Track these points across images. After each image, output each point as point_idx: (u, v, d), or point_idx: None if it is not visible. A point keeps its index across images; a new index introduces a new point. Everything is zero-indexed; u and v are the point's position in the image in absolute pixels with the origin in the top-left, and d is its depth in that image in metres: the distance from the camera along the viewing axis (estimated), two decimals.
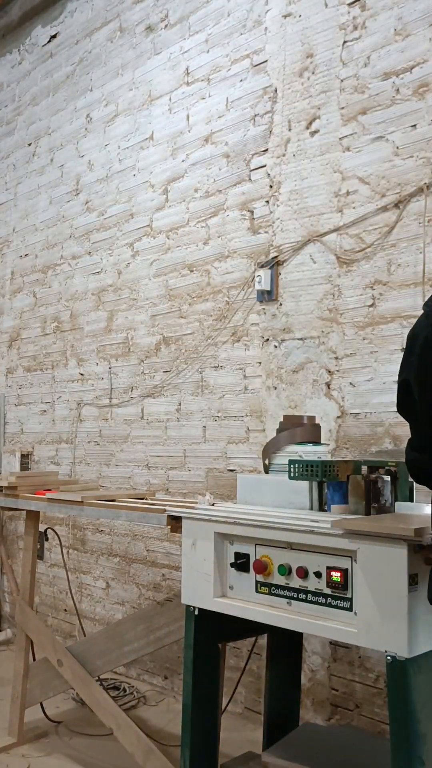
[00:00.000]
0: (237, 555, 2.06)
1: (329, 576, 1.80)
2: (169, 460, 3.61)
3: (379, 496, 1.99)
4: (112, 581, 3.91)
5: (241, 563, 2.04)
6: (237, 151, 3.35)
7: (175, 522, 2.25)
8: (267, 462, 2.41)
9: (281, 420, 2.52)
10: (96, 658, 2.69)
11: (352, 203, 2.86)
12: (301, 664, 2.65)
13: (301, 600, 1.89)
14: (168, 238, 3.68)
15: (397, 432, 2.61)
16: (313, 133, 3.01)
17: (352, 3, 2.88)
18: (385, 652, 1.65)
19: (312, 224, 2.99)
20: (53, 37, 4.57)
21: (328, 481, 2.08)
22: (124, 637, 2.61)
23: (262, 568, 1.97)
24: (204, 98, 3.52)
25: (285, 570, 1.92)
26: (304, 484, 2.12)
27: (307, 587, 1.88)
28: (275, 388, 3.09)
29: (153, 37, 3.83)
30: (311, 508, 2.12)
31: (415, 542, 1.64)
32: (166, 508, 2.31)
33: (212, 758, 2.19)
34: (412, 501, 2.03)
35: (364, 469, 2.09)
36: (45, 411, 4.48)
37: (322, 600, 1.83)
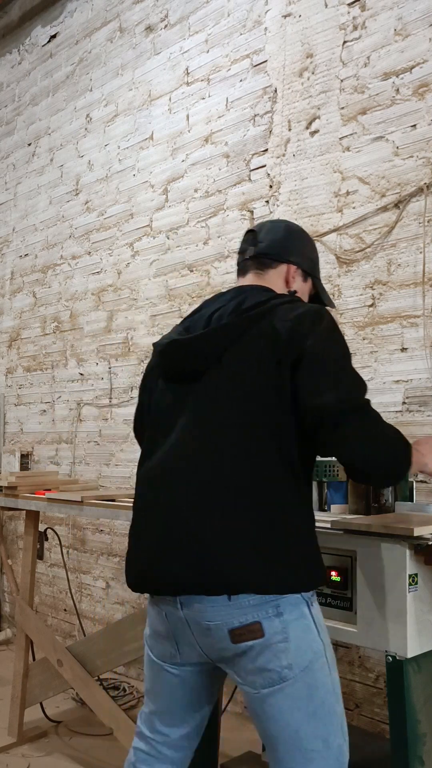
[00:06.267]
0: None
1: (329, 576, 1.80)
2: None
3: (379, 496, 1.99)
4: (112, 581, 3.91)
5: None
6: (237, 151, 3.35)
7: None
8: None
9: None
10: (96, 658, 2.69)
11: (352, 203, 2.86)
12: None
13: None
14: (168, 238, 3.69)
15: None
16: (313, 133, 3.01)
17: (352, 3, 2.88)
18: (385, 652, 1.65)
19: (312, 224, 2.99)
20: (53, 37, 4.58)
21: (329, 481, 2.09)
22: (124, 637, 2.61)
23: None
24: (204, 98, 3.52)
25: None
26: None
27: None
28: None
29: (153, 37, 3.83)
30: None
31: (415, 542, 1.64)
32: None
33: (212, 758, 2.19)
34: (412, 501, 2.03)
35: None
36: (45, 411, 4.48)
37: (321, 600, 1.83)
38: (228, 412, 1.48)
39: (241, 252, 1.74)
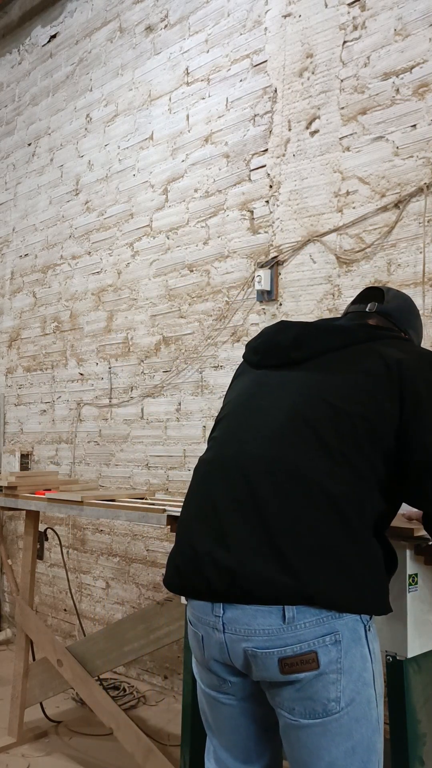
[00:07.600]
0: None
1: None
2: (169, 460, 3.61)
3: None
4: (111, 581, 3.91)
5: None
6: (237, 151, 3.35)
7: (174, 522, 2.25)
8: None
9: None
10: (96, 658, 2.69)
11: (352, 203, 2.86)
12: None
13: None
14: (168, 238, 3.68)
15: None
16: (313, 133, 3.01)
17: (352, 3, 2.88)
18: (385, 652, 1.65)
19: (312, 224, 3.00)
20: (53, 37, 4.58)
21: None
22: (124, 637, 2.61)
23: None
24: (204, 98, 3.52)
25: None
26: None
27: None
28: None
29: (153, 37, 3.83)
30: None
31: (415, 542, 1.64)
32: (166, 507, 2.31)
33: None
34: None
35: None
36: (45, 411, 4.48)
37: None
38: (324, 411, 1.41)
39: (360, 302, 1.76)
